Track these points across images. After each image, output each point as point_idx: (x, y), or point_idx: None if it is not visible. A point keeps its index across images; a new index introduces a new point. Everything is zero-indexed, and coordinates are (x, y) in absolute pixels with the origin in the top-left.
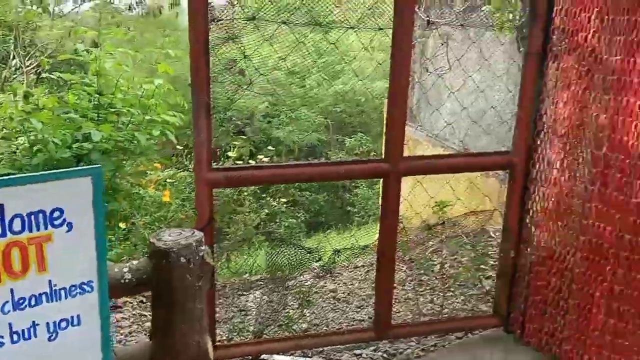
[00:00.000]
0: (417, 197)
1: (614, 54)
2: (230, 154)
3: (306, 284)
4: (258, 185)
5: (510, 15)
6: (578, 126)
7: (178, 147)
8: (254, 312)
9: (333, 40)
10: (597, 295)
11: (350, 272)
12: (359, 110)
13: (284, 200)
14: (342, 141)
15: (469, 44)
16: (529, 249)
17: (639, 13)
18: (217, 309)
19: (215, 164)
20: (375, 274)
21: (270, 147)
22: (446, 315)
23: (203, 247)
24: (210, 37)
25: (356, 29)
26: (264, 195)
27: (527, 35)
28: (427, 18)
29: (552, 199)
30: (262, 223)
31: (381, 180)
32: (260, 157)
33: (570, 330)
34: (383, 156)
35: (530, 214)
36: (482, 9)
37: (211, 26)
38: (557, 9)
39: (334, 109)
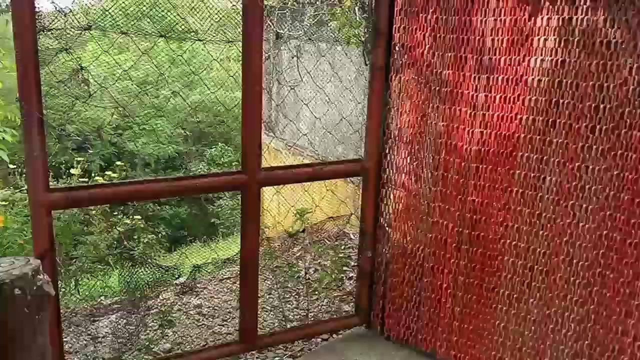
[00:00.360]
0: (279, 206)
1: (447, 67)
2: (73, 171)
3: (168, 302)
4: (104, 204)
5: (356, 30)
6: (420, 133)
7: (11, 165)
8: (110, 338)
9: (188, 50)
10: (444, 287)
11: (216, 285)
12: (219, 120)
13: (138, 217)
14: (202, 152)
15: (320, 57)
16: (385, 249)
17: (465, 32)
18: (67, 339)
19: (55, 182)
20: (239, 286)
21: (119, 162)
22: (312, 320)
23: (41, 276)
24: (40, 47)
25: (204, 41)
26: (115, 213)
27: (372, 50)
28: (277, 31)
29: (402, 201)
30: (116, 242)
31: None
32: (108, 173)
33: (424, 321)
34: (241, 168)
35: (384, 216)
36: (330, 24)
37: (40, 36)
38: (396, 27)
39: (192, 119)
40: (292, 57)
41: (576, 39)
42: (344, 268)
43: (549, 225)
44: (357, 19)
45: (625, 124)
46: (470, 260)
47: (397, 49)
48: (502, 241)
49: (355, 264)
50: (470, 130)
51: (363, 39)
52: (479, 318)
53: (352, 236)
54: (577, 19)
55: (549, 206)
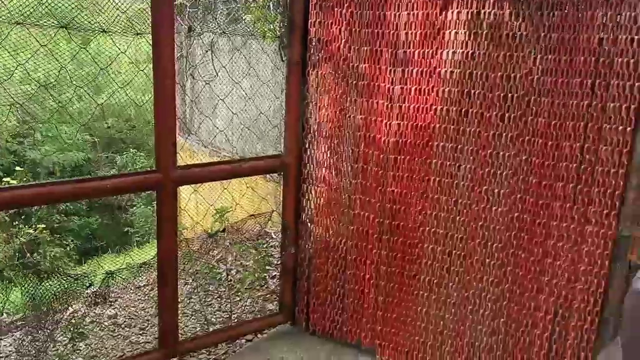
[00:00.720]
0: (198, 205)
1: (363, 61)
2: None
3: (78, 314)
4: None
5: (271, 25)
6: (339, 127)
7: None
8: (14, 357)
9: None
10: (367, 277)
11: (132, 293)
12: (130, 125)
13: (42, 226)
14: (113, 159)
15: (235, 52)
16: (307, 244)
17: (380, 26)
18: None
19: None
20: (157, 291)
21: (19, 168)
22: (235, 321)
23: None
24: None
25: (110, 33)
26: (16, 223)
27: (288, 45)
28: (189, 25)
29: (323, 196)
30: (18, 254)
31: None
32: (7, 179)
33: (348, 313)
34: (155, 167)
35: (306, 211)
36: (244, 17)
37: None
38: (311, 21)
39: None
40: (207, 52)
41: (484, 32)
42: (267, 267)
43: (465, 210)
44: (272, 13)
45: (532, 112)
46: (391, 249)
47: (313, 43)
48: (421, 229)
49: (278, 262)
50: (388, 123)
51: (279, 34)
52: (401, 305)
53: (273, 235)
54: (485, 12)
55: (464, 192)
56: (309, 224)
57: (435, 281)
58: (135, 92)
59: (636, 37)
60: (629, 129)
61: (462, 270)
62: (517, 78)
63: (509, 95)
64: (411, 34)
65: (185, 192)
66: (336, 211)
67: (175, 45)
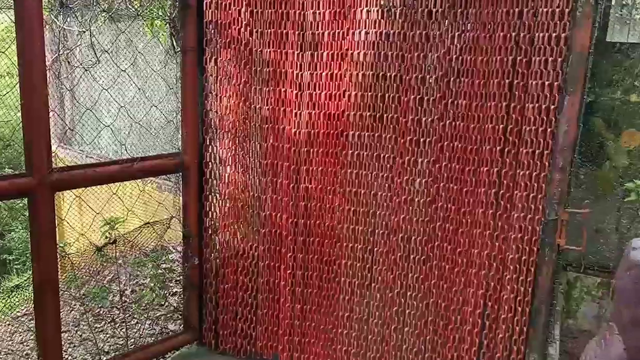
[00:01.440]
0: (82, 215)
1: (267, 45)
2: None
3: None
4: None
5: (161, 4)
6: (244, 120)
7: None
8: None
9: None
10: (282, 284)
11: (8, 325)
12: (4, 143)
13: None
14: None
15: (120, 34)
16: (213, 253)
17: (284, 5)
18: None
19: None
20: (35, 319)
21: None
22: (132, 347)
23: None
24: None
25: None
26: None
27: (181, 29)
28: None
29: (230, 197)
30: None
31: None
32: None
33: (263, 325)
34: (25, 169)
35: (210, 216)
36: None
37: None
38: (207, 2)
39: None
40: (84, 32)
41: (398, 10)
42: (167, 283)
43: (385, 204)
44: None
45: (452, 93)
46: (307, 251)
47: (210, 27)
48: (339, 227)
49: (180, 276)
50: (298, 112)
51: (171, 16)
52: (321, 312)
53: (171, 248)
54: None
55: (383, 184)
56: (214, 230)
57: (356, 282)
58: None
59: (557, 9)
60: (552, 107)
61: (384, 268)
62: (435, 58)
63: (427, 77)
64: (319, 13)
65: (65, 198)
66: (245, 214)
67: (46, 24)
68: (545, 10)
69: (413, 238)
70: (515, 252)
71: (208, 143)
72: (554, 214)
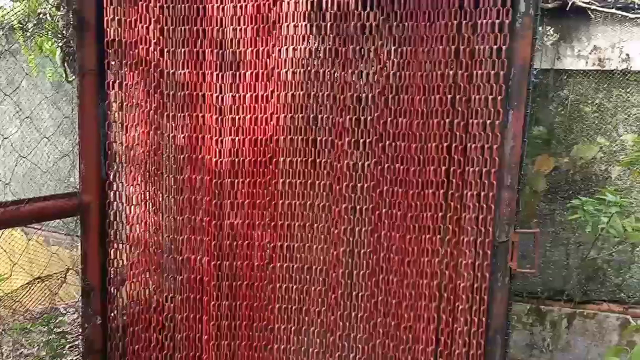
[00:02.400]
0: None
1: (181, 66)
2: None
3: None
4: None
5: (52, 27)
6: (155, 151)
7: None
8: None
9: None
10: (205, 339)
11: None
12: None
13: None
14: None
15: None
16: (119, 310)
17: (200, 22)
18: None
19: None
20: None
21: None
22: None
23: None
24: None
25: None
26: None
27: (78, 49)
28: None
29: (139, 241)
30: None
31: None
32: None
33: None
34: None
35: (115, 265)
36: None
37: None
38: (108, 19)
39: None
40: None
41: (328, 24)
42: (61, 351)
43: (322, 236)
44: (51, 5)
45: (390, 112)
46: (234, 297)
47: (113, 46)
48: (271, 266)
49: (79, 340)
50: (219, 140)
51: (63, 34)
52: None
53: (62, 310)
54: (327, 1)
55: (320, 215)
56: (121, 282)
57: (292, 329)
58: None
59: (497, 20)
60: (497, 122)
61: (324, 309)
62: (371, 75)
63: (363, 95)
64: (240, 30)
65: None
66: (158, 259)
67: None
68: (484, 21)
69: (356, 273)
70: (467, 280)
71: (112, 180)
72: (504, 235)
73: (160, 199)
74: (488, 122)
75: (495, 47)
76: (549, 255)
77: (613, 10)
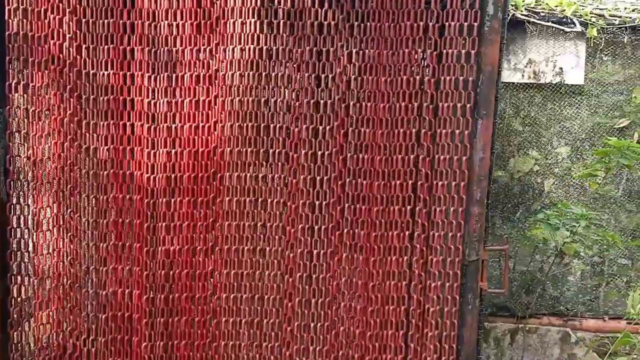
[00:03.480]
0: None
1: (104, 67)
2: None
3: None
4: None
5: None
6: (71, 165)
7: None
8: None
9: None
10: None
11: None
12: None
13: None
14: None
15: None
16: (24, 357)
17: (127, 15)
18: None
19: None
20: None
21: None
22: None
23: None
24: None
25: None
26: None
27: None
28: None
29: (51, 274)
30: None
31: None
32: None
33: None
34: None
35: (19, 305)
36: None
37: None
38: (11, 9)
39: None
40: None
41: (281, 22)
42: None
43: (276, 261)
44: None
45: (352, 121)
46: (171, 337)
47: (16, 41)
48: (214, 297)
49: None
50: (152, 152)
51: None
52: None
53: None
54: None
55: (272, 237)
56: (25, 324)
57: None
58: None
59: (465, 23)
60: (466, 132)
61: (277, 345)
62: (330, 79)
63: (321, 101)
64: (177, 25)
65: None
66: (74, 295)
67: None
68: (452, 24)
69: (313, 301)
70: (436, 304)
71: (15, 201)
72: (474, 254)
73: (78, 223)
74: (457, 131)
75: (464, 51)
76: (490, 270)
77: (549, 24)
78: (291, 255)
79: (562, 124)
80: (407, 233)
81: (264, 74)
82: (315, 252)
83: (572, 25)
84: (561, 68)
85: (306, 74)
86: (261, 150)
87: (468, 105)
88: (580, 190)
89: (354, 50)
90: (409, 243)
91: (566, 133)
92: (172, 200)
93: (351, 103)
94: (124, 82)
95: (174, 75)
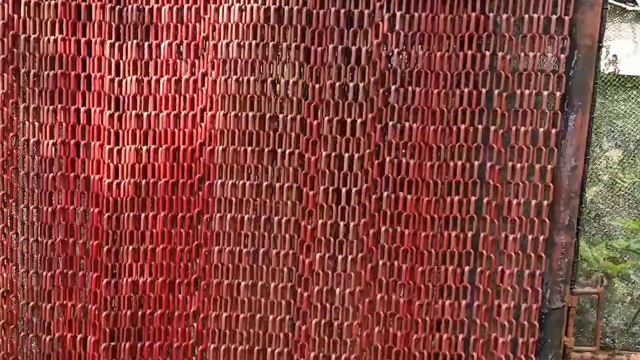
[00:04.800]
0: None
1: (50, 30)
2: None
3: None
4: None
5: None
6: (4, 165)
7: None
8: None
9: None
10: None
11: None
12: None
13: None
14: None
15: None
16: None
17: None
18: None
19: None
20: None
21: None
22: None
23: None
24: None
25: None
26: None
27: None
28: None
29: None
30: None
31: None
32: None
33: None
34: None
35: None
36: None
37: None
38: None
39: None
40: None
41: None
42: None
43: (283, 302)
44: None
45: (393, 113)
46: None
47: None
48: (198, 349)
49: None
50: (115, 150)
51: None
52: None
53: None
54: None
55: (279, 268)
56: None
57: None
58: None
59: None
60: (553, 131)
61: None
62: (363, 54)
63: (350, 84)
64: None
65: None
66: (8, 339)
67: None
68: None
69: (333, 357)
70: None
71: None
72: (558, 299)
73: (12, 243)
74: (540, 130)
75: (554, 17)
76: None
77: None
78: (305, 294)
79: (614, 122)
80: (466, 269)
81: (270, 44)
82: (337, 290)
83: (633, 4)
84: (615, 55)
85: (330, 46)
86: (265, 150)
87: (557, 94)
88: (631, 200)
89: (397, 13)
90: (469, 282)
91: (618, 133)
92: (142, 215)
93: (392, 87)
94: (77, 52)
95: (145, 44)
